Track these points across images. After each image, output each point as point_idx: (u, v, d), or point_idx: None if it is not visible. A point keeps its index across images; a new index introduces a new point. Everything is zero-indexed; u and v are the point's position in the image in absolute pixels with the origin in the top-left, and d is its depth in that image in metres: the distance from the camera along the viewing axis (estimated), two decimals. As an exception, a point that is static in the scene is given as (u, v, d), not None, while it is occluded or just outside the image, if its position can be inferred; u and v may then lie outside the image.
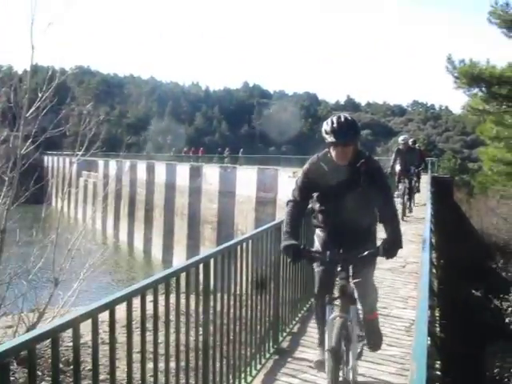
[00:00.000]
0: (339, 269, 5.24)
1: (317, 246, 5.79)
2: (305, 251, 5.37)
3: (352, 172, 5.37)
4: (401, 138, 19.40)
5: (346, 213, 5.45)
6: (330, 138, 5.22)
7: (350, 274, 5.37)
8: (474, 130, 49.29)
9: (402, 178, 18.40)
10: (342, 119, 5.25)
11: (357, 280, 5.50)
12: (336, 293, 5.36)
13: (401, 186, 18.48)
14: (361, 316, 5.76)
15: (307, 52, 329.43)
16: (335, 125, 5.21)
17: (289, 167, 51.85)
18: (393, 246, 5.26)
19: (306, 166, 5.62)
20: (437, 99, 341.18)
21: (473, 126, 56.12)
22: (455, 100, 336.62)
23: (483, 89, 18.35)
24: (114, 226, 73.80)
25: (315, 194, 5.65)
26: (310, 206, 5.79)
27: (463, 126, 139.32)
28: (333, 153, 5.33)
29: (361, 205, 5.44)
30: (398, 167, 18.63)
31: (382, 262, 10.92)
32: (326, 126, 5.28)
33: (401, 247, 5.30)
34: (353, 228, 5.50)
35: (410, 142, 22.10)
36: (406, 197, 18.35)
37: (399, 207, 16.40)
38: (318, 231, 5.88)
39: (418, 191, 20.48)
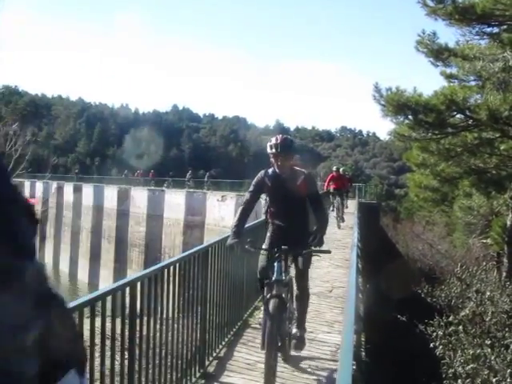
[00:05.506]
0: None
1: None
2: None
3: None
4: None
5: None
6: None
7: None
8: (400, 156, 50.29)
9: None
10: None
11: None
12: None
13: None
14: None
15: (237, 75, 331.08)
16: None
17: (218, 191, 52.06)
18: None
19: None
20: (364, 125, 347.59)
21: (399, 153, 57.21)
22: (382, 126, 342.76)
23: (409, 116, 18.50)
24: (39, 248, 72.04)
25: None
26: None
27: (390, 153, 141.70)
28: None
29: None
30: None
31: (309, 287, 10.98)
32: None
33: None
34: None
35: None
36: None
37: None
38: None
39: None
